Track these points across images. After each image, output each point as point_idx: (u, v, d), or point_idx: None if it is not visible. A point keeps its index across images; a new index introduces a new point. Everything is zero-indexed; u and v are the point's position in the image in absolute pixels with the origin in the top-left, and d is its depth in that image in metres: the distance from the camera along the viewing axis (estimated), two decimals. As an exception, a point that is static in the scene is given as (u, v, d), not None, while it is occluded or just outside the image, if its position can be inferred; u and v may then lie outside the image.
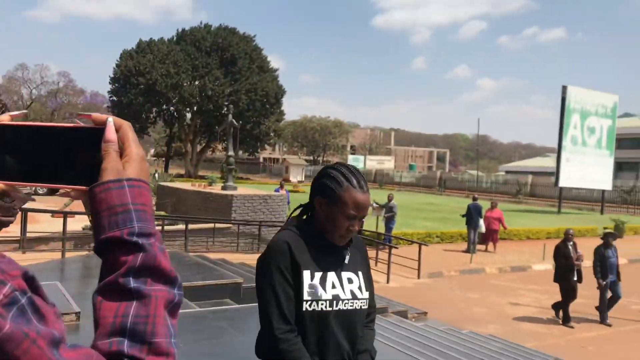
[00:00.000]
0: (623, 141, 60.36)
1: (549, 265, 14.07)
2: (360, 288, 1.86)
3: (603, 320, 8.90)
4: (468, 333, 7.15)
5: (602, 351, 7.61)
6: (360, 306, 1.85)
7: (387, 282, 10.95)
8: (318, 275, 1.79)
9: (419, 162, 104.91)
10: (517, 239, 18.50)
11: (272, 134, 50.60)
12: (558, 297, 8.77)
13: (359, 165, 54.89)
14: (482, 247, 15.73)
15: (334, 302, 1.79)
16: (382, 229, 14.75)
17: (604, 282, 8.66)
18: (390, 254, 11.19)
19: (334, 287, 1.81)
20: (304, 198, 2.30)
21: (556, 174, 30.86)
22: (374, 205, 14.34)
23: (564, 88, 30.14)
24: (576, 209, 35.62)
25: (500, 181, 55.24)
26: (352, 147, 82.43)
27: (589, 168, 31.09)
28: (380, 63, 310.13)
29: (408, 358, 4.89)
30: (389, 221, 14.82)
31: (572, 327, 8.68)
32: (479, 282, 11.89)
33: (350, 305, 1.83)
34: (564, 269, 8.73)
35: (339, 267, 1.85)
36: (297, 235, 1.81)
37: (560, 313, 8.95)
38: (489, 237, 15.75)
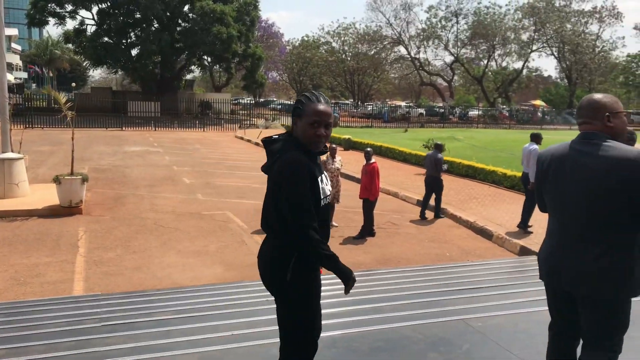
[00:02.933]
0: None
1: None
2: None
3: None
4: None
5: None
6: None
7: None
8: (321, 177, 2.41)
9: None
10: None
11: None
12: None
13: None
14: None
15: (328, 196, 2.45)
16: None
17: None
18: None
19: (326, 184, 2.43)
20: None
21: None
22: None
23: None
24: None
25: None
26: None
27: None
28: None
29: None
30: None
31: None
32: None
33: (330, 199, 2.49)
34: None
35: (322, 169, 2.48)
36: (301, 152, 2.36)
37: None
38: None
